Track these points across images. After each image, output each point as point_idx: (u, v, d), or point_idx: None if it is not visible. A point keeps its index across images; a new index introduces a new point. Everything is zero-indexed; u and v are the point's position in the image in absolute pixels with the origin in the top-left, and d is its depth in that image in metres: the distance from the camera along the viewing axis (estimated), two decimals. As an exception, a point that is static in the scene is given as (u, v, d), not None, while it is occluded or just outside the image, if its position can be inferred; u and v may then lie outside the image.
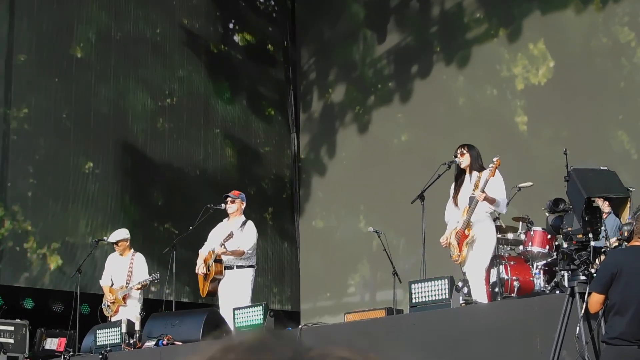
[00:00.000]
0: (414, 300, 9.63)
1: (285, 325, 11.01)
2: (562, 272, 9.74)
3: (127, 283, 12.32)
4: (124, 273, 12.41)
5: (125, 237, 12.64)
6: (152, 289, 14.20)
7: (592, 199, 7.65)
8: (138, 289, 12.19)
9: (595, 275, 7.42)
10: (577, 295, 7.46)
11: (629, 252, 7.32)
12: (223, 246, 11.21)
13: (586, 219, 7.53)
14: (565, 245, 7.81)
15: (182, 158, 16.57)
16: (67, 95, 15.41)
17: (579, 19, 14.22)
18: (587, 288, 7.36)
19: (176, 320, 10.76)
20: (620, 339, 7.03)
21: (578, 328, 7.33)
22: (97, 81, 15.78)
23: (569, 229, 7.68)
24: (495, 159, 9.59)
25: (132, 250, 12.53)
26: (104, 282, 12.65)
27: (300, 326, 10.09)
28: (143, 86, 16.33)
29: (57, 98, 15.33)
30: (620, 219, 7.84)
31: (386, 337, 9.51)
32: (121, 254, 12.55)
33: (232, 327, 10.56)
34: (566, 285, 9.69)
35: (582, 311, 7.32)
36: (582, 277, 7.52)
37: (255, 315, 10.50)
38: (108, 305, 12.42)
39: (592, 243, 7.53)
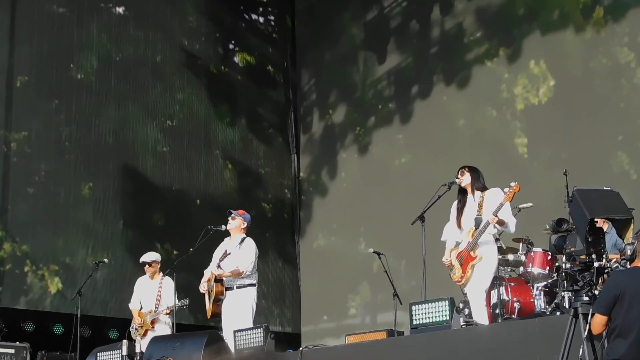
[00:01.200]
0: (414, 322, 9.62)
1: (286, 347, 10.98)
2: (564, 292, 9.75)
3: (155, 307, 12.27)
4: (153, 297, 12.35)
5: (159, 259, 12.62)
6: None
7: (595, 220, 7.64)
8: (167, 313, 12.13)
9: (598, 296, 7.40)
10: (580, 317, 7.43)
11: (631, 273, 7.29)
12: (219, 267, 11.18)
13: (589, 239, 7.51)
14: (568, 266, 7.78)
15: (183, 180, 16.56)
16: (67, 118, 15.42)
17: (579, 39, 14.23)
18: (590, 309, 7.34)
19: (177, 342, 10.72)
20: None
21: (582, 349, 7.30)
22: (97, 104, 15.78)
23: (572, 249, 7.66)
24: (513, 184, 9.50)
25: (162, 274, 12.46)
26: (133, 306, 12.59)
27: (301, 348, 10.05)
28: (143, 108, 16.34)
29: (57, 121, 15.33)
30: (623, 239, 7.82)
31: (387, 359, 9.48)
32: (151, 278, 12.50)
33: (232, 349, 10.53)
34: (567, 306, 9.69)
35: (586, 332, 7.29)
36: (585, 298, 7.49)
37: (256, 337, 10.47)
38: (136, 329, 12.36)
39: (595, 264, 7.51)
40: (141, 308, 12.47)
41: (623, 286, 7.11)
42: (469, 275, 9.65)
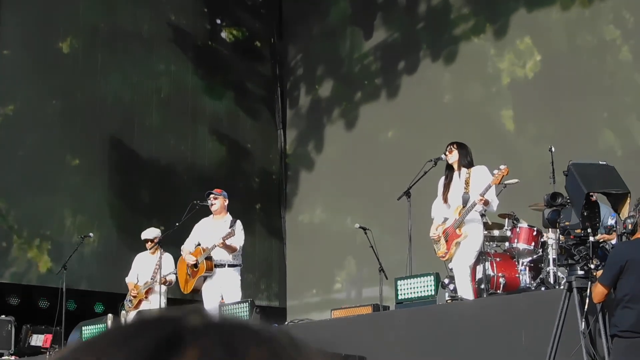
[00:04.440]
0: (400, 297, 9.67)
1: (271, 322, 11.01)
2: (550, 268, 9.81)
3: (152, 278, 12.31)
4: (151, 269, 12.39)
5: (160, 234, 12.63)
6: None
7: (591, 194, 7.67)
8: (162, 283, 12.15)
9: (603, 268, 7.46)
10: (574, 290, 7.48)
11: (635, 244, 7.34)
12: (223, 241, 11.19)
13: (585, 213, 7.55)
14: (562, 240, 7.82)
15: (170, 154, 16.55)
16: (53, 91, 15.38)
17: (565, 16, 14.25)
18: (589, 282, 7.39)
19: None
20: (631, 331, 7.05)
21: (583, 323, 7.34)
22: (83, 77, 15.74)
23: (567, 223, 7.69)
24: (502, 168, 9.57)
25: (162, 250, 12.48)
26: (130, 279, 12.62)
27: (286, 323, 10.10)
28: (130, 82, 16.29)
29: (43, 93, 15.28)
30: (619, 214, 7.84)
31: (372, 333, 9.53)
32: (152, 253, 12.52)
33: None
34: (552, 281, 9.75)
35: (586, 306, 7.33)
36: (580, 272, 7.54)
37: (242, 312, 10.51)
38: (130, 300, 12.40)
39: (591, 238, 7.56)
40: (137, 282, 12.51)
41: (628, 257, 7.17)
42: (453, 252, 9.74)
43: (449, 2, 15.73)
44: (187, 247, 11.60)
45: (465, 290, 9.58)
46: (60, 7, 15.70)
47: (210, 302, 11.33)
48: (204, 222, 11.74)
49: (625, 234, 7.60)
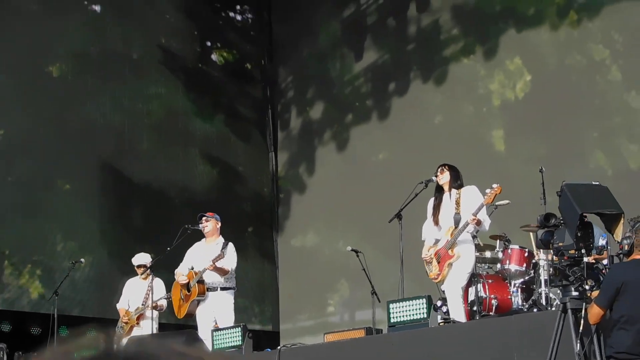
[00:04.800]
0: (392, 320, 9.65)
1: (264, 346, 11.00)
2: (542, 289, 9.80)
3: (143, 304, 12.27)
4: (142, 295, 12.37)
5: (150, 258, 12.61)
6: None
7: (585, 214, 7.68)
8: (153, 308, 12.11)
9: (600, 289, 7.45)
10: (569, 312, 7.47)
11: (631, 265, 7.34)
12: (213, 263, 11.19)
13: (579, 234, 7.55)
14: (556, 261, 7.82)
15: (161, 178, 16.52)
16: (43, 115, 15.34)
17: (554, 36, 14.29)
18: (584, 303, 7.38)
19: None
20: (627, 353, 7.05)
21: (578, 344, 7.33)
22: (74, 100, 15.72)
23: (560, 244, 7.69)
24: (495, 187, 9.62)
25: (152, 275, 12.45)
26: (121, 305, 12.59)
27: (279, 347, 10.07)
28: (121, 105, 16.28)
29: (34, 117, 15.25)
30: (613, 235, 7.84)
31: (366, 357, 9.51)
32: (143, 279, 12.49)
33: (210, 349, 10.53)
34: (544, 303, 9.74)
35: (581, 328, 7.33)
36: (575, 293, 7.53)
37: (235, 337, 10.48)
38: (121, 327, 12.36)
39: (585, 259, 7.55)
40: (129, 308, 12.48)
41: (624, 278, 7.16)
42: (445, 274, 9.73)
43: (438, 23, 15.77)
44: (181, 270, 11.59)
45: (458, 312, 9.58)
46: (50, 31, 15.70)
47: (204, 326, 11.31)
48: (196, 246, 11.75)
49: (621, 255, 7.60)
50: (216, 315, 11.36)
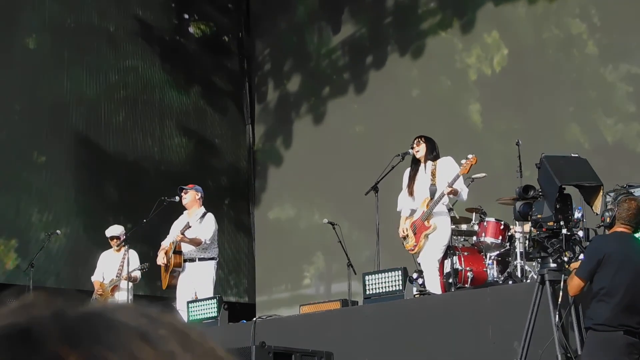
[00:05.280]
0: (367, 292, 9.68)
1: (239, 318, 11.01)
2: (518, 262, 9.85)
3: (117, 276, 12.25)
4: (116, 267, 12.35)
5: (124, 232, 12.58)
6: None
7: (564, 186, 7.69)
8: (126, 279, 12.09)
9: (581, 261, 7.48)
10: (547, 283, 7.50)
11: (613, 238, 7.36)
12: (182, 234, 11.20)
13: (558, 206, 7.57)
14: (534, 233, 7.84)
15: (137, 150, 16.46)
16: (18, 87, 15.24)
17: (532, 10, 14.30)
18: (562, 275, 7.41)
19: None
20: (605, 324, 7.08)
21: (556, 316, 7.36)
22: (49, 72, 15.61)
23: (539, 216, 7.71)
24: (470, 157, 9.63)
25: (127, 247, 12.41)
26: (95, 278, 12.57)
27: (254, 319, 10.09)
28: (97, 77, 16.18)
29: (8, 90, 15.14)
30: (592, 207, 7.86)
31: (341, 329, 9.53)
32: (116, 251, 12.46)
33: (186, 321, 10.53)
34: (519, 275, 9.79)
35: (560, 299, 7.36)
36: (553, 265, 7.55)
37: (210, 308, 10.49)
38: (96, 298, 12.33)
39: (563, 231, 7.57)
40: (103, 280, 12.45)
41: (605, 250, 7.19)
42: (422, 245, 9.76)
43: (416, -4, 15.76)
44: (164, 244, 11.58)
45: (434, 285, 9.61)
46: (26, 3, 15.57)
47: (182, 297, 11.28)
48: (180, 218, 11.73)
49: (603, 227, 7.63)
50: (196, 287, 11.35)
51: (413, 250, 9.88)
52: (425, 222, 9.79)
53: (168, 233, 11.80)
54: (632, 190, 8.53)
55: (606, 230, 7.55)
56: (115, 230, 12.59)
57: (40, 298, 0.89)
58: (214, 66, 17.85)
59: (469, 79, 14.94)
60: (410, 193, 9.99)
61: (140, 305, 0.92)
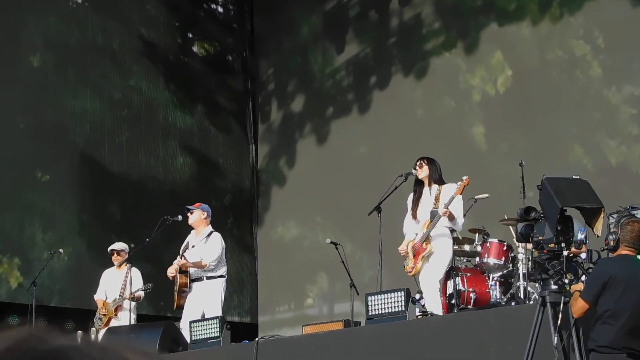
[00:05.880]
0: (370, 313, 9.65)
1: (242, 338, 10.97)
2: (520, 283, 9.83)
3: (120, 295, 12.20)
4: (118, 285, 12.29)
5: (127, 249, 12.54)
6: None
7: (565, 208, 7.69)
8: (129, 298, 12.05)
9: (585, 283, 7.47)
10: (548, 305, 7.48)
11: (618, 260, 7.37)
12: (183, 257, 11.17)
13: (559, 228, 7.56)
14: (535, 254, 7.83)
15: (140, 169, 16.46)
16: (23, 106, 15.26)
17: (536, 31, 14.32)
18: (563, 297, 7.40)
19: (132, 334, 10.69)
20: (609, 347, 7.08)
21: (556, 338, 7.35)
22: (54, 91, 15.64)
23: (540, 237, 7.71)
24: (464, 178, 9.66)
25: (129, 265, 12.38)
26: (98, 296, 12.52)
27: (257, 339, 10.06)
28: (100, 97, 16.21)
29: (13, 108, 15.16)
30: (593, 229, 7.86)
31: (343, 349, 9.50)
32: (118, 267, 12.42)
33: (188, 340, 10.51)
34: (522, 297, 9.77)
35: (560, 321, 7.34)
36: (554, 287, 7.54)
37: (212, 328, 10.45)
38: (99, 318, 12.29)
39: (565, 252, 7.57)
40: (106, 299, 12.41)
41: (610, 273, 7.19)
42: (419, 267, 9.77)
43: (420, 17, 15.77)
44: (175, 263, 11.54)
45: (435, 306, 9.59)
46: (30, 20, 15.62)
47: (187, 317, 11.18)
48: (189, 237, 11.70)
49: (607, 251, 7.63)
50: (203, 305, 11.28)
51: (411, 272, 9.90)
52: (423, 245, 9.81)
53: (171, 252, 11.77)
54: (635, 212, 8.53)
55: (610, 254, 7.54)
56: (117, 245, 12.57)
57: (21, 334, 0.93)
58: (218, 86, 17.87)
59: (472, 100, 14.94)
60: (414, 216, 10.02)
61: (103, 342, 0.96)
